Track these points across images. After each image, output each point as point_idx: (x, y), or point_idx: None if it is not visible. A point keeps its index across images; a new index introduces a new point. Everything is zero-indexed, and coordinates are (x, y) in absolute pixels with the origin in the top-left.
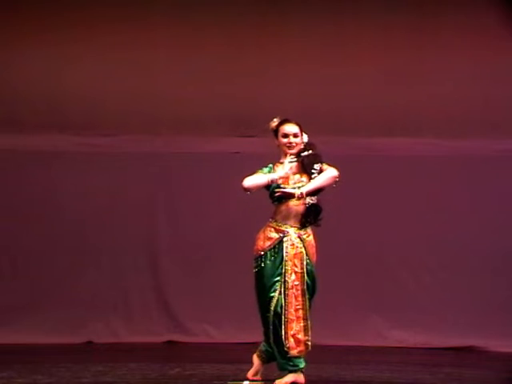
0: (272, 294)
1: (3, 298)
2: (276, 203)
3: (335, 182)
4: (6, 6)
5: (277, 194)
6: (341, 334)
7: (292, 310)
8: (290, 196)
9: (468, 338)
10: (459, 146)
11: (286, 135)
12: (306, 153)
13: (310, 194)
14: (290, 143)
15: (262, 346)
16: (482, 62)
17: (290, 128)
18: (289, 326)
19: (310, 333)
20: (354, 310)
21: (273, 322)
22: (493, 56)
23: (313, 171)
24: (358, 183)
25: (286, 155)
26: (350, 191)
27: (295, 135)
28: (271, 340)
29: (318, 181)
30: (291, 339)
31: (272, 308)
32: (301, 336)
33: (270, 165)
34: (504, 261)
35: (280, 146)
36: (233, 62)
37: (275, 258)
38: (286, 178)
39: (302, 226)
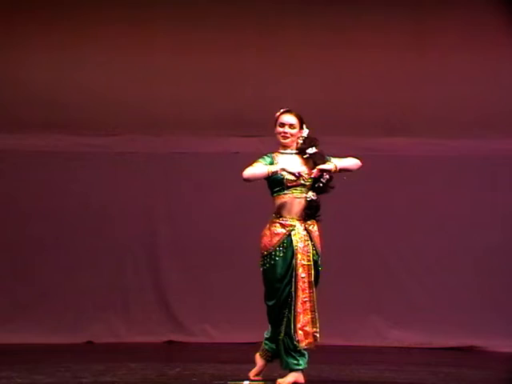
0: (288, 290)
1: (3, 297)
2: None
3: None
4: (9, 9)
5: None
6: (340, 334)
7: (299, 303)
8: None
9: (468, 338)
10: (459, 145)
11: (282, 124)
12: (311, 150)
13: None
14: (285, 133)
15: (265, 345)
16: (482, 63)
17: (287, 118)
18: (297, 318)
19: (317, 324)
20: (353, 309)
21: (287, 317)
22: (492, 57)
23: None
24: (358, 183)
25: (282, 146)
26: (349, 191)
27: (291, 126)
28: (281, 336)
29: (348, 162)
30: (300, 332)
31: (288, 302)
32: (308, 328)
33: (270, 154)
34: (504, 261)
35: (276, 134)
36: (232, 63)
37: (285, 252)
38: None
39: (305, 218)
